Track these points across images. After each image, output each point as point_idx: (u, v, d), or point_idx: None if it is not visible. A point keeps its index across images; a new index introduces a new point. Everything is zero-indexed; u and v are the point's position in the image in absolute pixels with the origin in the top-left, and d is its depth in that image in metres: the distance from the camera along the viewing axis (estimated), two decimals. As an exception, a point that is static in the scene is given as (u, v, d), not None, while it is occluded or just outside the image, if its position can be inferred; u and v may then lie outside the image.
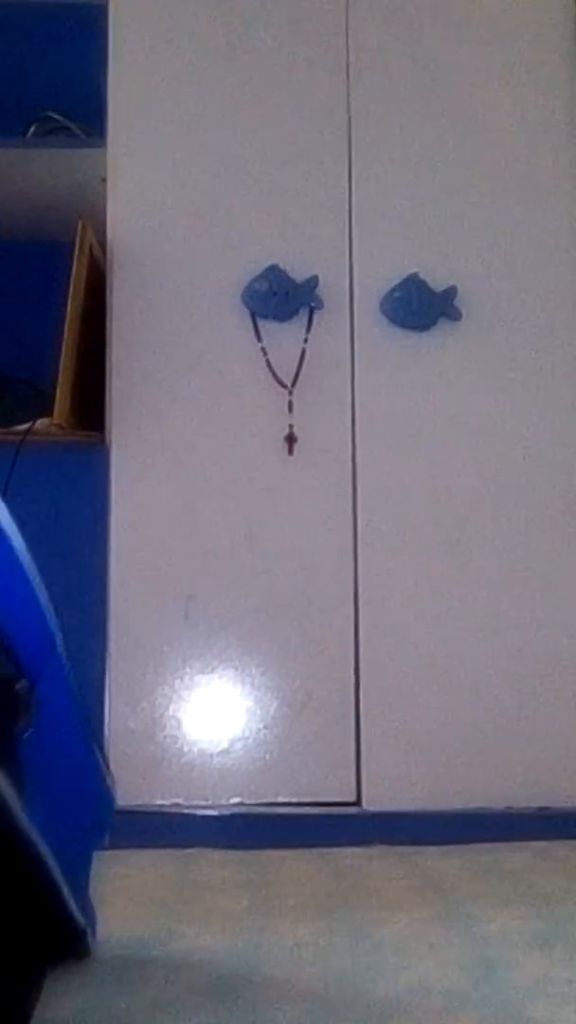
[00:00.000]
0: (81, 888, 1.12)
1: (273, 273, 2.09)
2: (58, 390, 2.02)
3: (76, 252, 2.08)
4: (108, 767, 1.14)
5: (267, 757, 2.01)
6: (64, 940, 1.08)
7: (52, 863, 0.97)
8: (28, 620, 0.97)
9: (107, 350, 2.10)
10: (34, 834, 0.93)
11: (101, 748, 1.15)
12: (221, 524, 2.06)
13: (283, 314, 2.09)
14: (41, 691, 0.96)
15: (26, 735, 0.93)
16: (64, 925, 1.06)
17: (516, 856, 1.83)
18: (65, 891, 1.02)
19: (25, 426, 2.07)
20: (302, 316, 2.10)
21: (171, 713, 2.02)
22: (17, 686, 0.93)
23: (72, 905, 1.05)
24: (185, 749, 2.01)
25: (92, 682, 2.02)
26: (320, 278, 2.10)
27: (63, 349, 2.03)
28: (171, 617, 2.04)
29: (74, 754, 1.07)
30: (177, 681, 2.03)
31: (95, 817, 1.15)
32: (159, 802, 1.99)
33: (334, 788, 2.01)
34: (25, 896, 0.99)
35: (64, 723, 1.04)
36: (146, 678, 2.02)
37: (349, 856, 1.86)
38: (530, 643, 2.06)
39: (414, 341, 2.11)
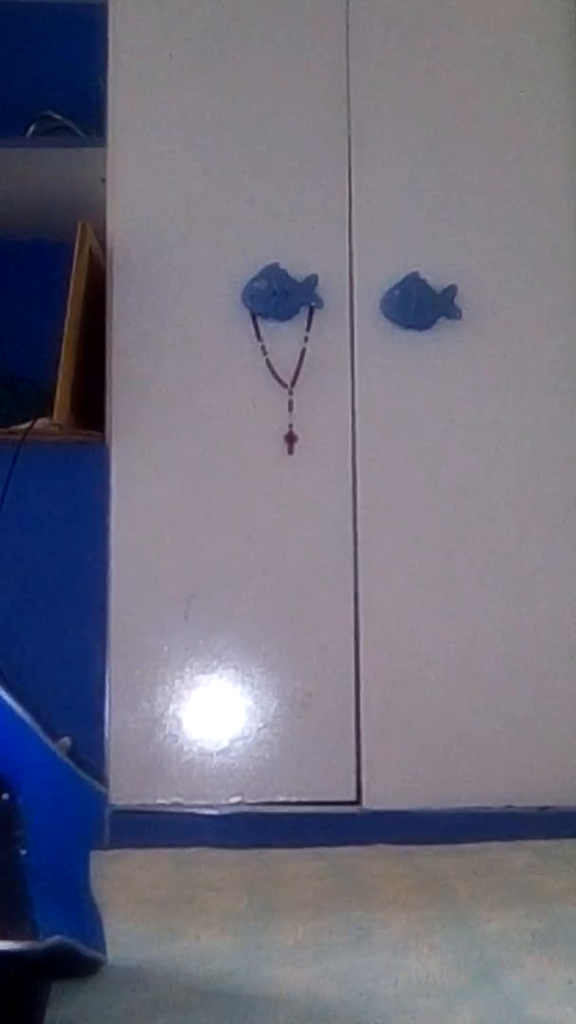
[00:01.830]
0: (86, 904, 1.12)
1: (273, 272, 2.09)
2: (58, 390, 2.02)
3: (76, 252, 2.08)
4: (97, 774, 1.13)
5: (267, 756, 2.01)
6: (78, 970, 1.08)
7: (68, 940, 0.98)
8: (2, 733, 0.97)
9: (107, 350, 2.10)
10: (50, 937, 0.93)
11: (96, 763, 1.14)
12: (221, 523, 2.06)
13: (283, 313, 2.09)
14: (28, 787, 0.95)
15: (24, 853, 0.92)
16: (78, 963, 1.06)
17: (516, 856, 1.83)
18: (79, 947, 1.02)
19: (25, 426, 2.07)
20: (302, 315, 2.10)
21: (171, 712, 2.02)
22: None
23: (87, 952, 1.05)
24: (185, 748, 2.01)
25: (92, 682, 2.02)
26: (320, 277, 2.10)
27: (63, 349, 2.03)
28: (171, 617, 2.04)
29: (63, 799, 1.06)
30: (177, 681, 2.03)
31: (88, 833, 1.15)
32: (159, 801, 1.99)
33: (334, 787, 2.01)
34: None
35: (50, 791, 1.03)
36: (146, 678, 2.02)
37: (349, 855, 1.86)
38: (530, 642, 2.05)
39: (414, 340, 2.11)
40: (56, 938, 0.95)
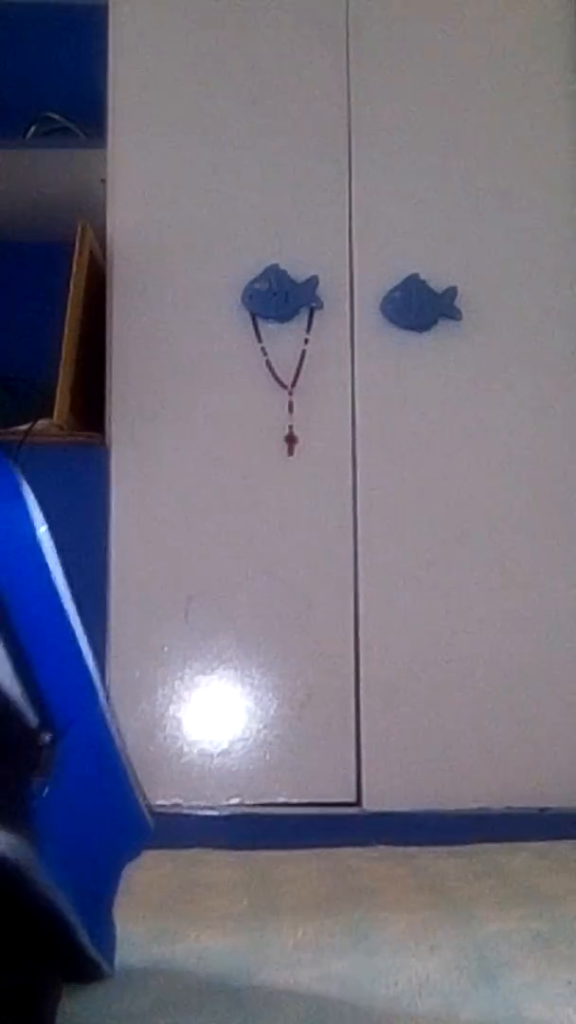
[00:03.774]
0: (104, 915, 1.11)
1: (273, 273, 2.09)
2: (58, 390, 2.02)
3: (76, 253, 2.08)
4: (144, 798, 1.13)
5: (267, 757, 2.01)
6: (78, 969, 1.08)
7: (70, 917, 0.96)
8: (63, 665, 0.95)
9: (107, 350, 2.10)
10: (50, 892, 0.91)
11: (135, 778, 1.13)
12: (221, 525, 2.06)
13: (283, 314, 2.10)
14: (72, 740, 0.93)
15: (44, 793, 0.90)
16: (78, 960, 1.05)
17: (516, 857, 1.83)
18: (82, 936, 1.01)
19: (25, 426, 2.07)
20: (302, 316, 2.10)
21: (171, 713, 2.02)
22: (40, 740, 0.90)
23: (90, 948, 1.04)
24: (185, 749, 2.01)
25: (92, 682, 2.02)
26: (320, 278, 2.10)
27: (63, 349, 2.03)
28: (171, 617, 2.04)
29: (108, 792, 1.05)
30: (177, 681, 2.03)
31: (126, 844, 1.14)
32: (159, 802, 1.99)
33: (334, 788, 2.01)
34: (38, 936, 0.97)
35: (99, 764, 1.01)
36: (146, 678, 2.02)
37: (349, 856, 1.86)
38: (531, 643, 2.05)
39: (414, 341, 2.11)
40: (51, 881, 0.93)
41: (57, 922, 0.95)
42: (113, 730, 1.02)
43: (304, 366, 2.09)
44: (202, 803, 2.00)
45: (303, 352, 2.09)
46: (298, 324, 2.10)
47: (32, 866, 0.88)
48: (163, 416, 2.09)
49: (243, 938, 1.33)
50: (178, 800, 2.00)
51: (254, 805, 2.00)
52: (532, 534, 2.08)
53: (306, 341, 2.10)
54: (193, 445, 2.08)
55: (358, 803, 2.00)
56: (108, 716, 1.01)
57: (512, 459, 2.10)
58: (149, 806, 1.12)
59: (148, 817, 1.11)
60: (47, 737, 0.91)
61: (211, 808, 2.00)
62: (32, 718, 0.91)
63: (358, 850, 1.90)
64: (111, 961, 1.12)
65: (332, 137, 2.15)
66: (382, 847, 1.92)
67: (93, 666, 0.99)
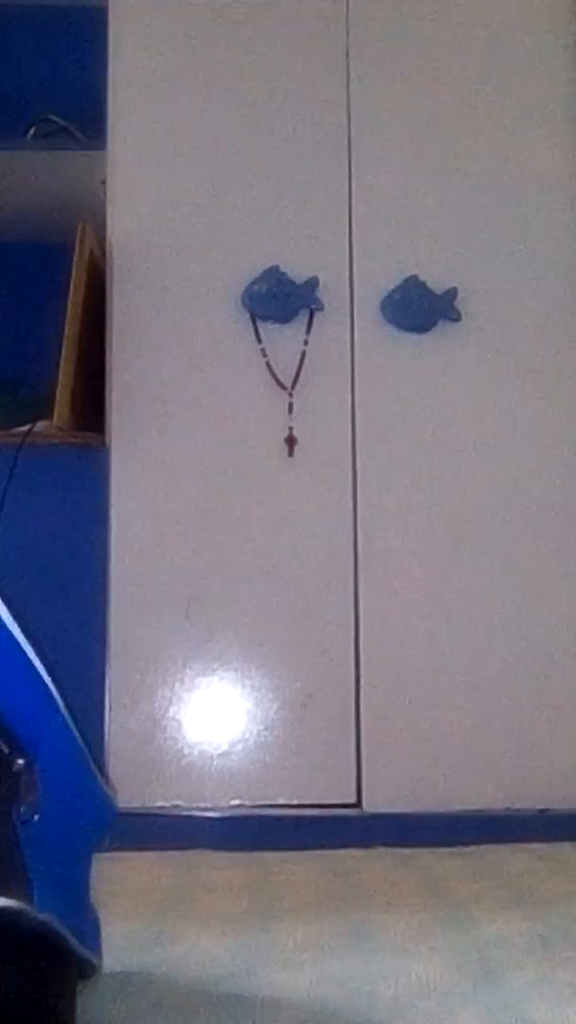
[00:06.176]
0: (82, 903, 1.11)
1: (273, 275, 2.09)
2: (58, 392, 2.02)
3: (76, 254, 2.08)
4: (106, 779, 1.13)
5: (267, 759, 2.01)
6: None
7: (61, 929, 0.96)
8: (18, 684, 0.95)
9: (107, 352, 2.10)
10: (45, 924, 0.92)
11: (99, 765, 1.12)
12: (221, 526, 2.06)
13: (283, 316, 2.10)
14: (43, 760, 0.93)
15: (34, 819, 0.90)
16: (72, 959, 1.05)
17: (516, 858, 1.83)
18: (73, 943, 1.01)
19: (25, 428, 2.07)
20: (302, 317, 2.10)
21: (171, 715, 2.02)
22: (15, 766, 0.90)
23: (79, 949, 1.04)
24: (185, 751, 2.01)
25: (92, 684, 2.02)
26: (320, 279, 2.10)
27: (63, 351, 2.03)
28: (171, 618, 2.04)
29: (72, 785, 1.05)
30: (177, 683, 2.03)
31: (93, 832, 1.14)
32: (159, 804, 1.99)
33: (334, 790, 2.00)
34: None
35: (64, 771, 1.02)
36: (146, 680, 2.02)
37: (349, 858, 1.86)
38: (530, 644, 2.05)
39: (414, 342, 2.11)
40: (50, 915, 0.93)
41: (51, 930, 0.96)
42: (73, 729, 1.02)
43: (304, 367, 2.09)
44: (202, 804, 2.00)
45: (303, 353, 2.09)
46: (298, 325, 2.10)
47: (29, 911, 0.88)
48: (163, 417, 2.09)
49: (243, 939, 1.32)
50: (178, 801, 2.00)
51: (254, 806, 2.00)
52: (532, 534, 2.08)
53: (306, 342, 2.10)
54: (193, 446, 2.08)
55: (358, 804, 2.00)
56: (67, 717, 1.01)
57: (512, 460, 2.10)
58: (113, 786, 1.12)
59: (111, 796, 1.12)
60: (20, 762, 0.91)
61: (211, 809, 2.00)
62: (2, 746, 0.91)
63: (358, 851, 1.90)
64: (98, 952, 1.12)
65: (332, 138, 2.15)
66: (382, 848, 1.92)
67: (44, 673, 0.99)
